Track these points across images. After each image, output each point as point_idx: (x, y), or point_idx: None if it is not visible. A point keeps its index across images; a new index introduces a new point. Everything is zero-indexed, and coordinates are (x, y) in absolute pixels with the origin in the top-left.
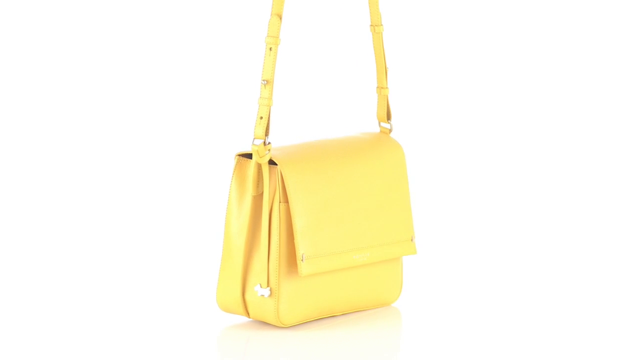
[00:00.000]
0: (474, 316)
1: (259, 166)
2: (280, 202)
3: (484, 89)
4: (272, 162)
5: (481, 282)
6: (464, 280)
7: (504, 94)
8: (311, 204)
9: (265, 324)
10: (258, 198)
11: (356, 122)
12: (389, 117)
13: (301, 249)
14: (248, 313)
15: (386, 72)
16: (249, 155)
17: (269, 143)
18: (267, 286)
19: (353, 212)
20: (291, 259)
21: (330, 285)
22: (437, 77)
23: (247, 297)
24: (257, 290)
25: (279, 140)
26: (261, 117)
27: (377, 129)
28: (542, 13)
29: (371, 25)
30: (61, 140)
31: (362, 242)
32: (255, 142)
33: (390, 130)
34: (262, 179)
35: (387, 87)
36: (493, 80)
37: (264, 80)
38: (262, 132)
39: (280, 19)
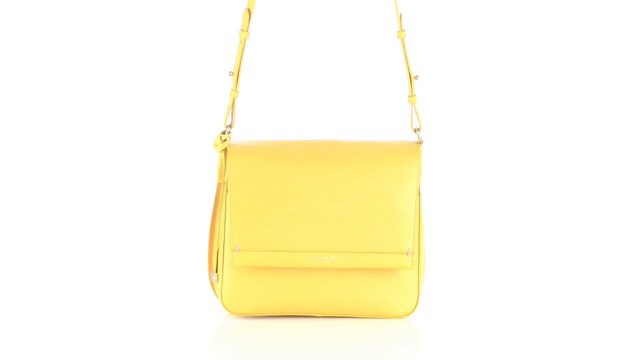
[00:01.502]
0: (485, 328)
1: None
2: (226, 191)
3: (507, 100)
4: None
5: (498, 294)
6: (479, 291)
7: (525, 105)
8: (257, 198)
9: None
10: (222, 186)
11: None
12: (416, 128)
13: (235, 239)
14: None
15: (411, 80)
16: None
17: (228, 133)
18: (216, 272)
19: (320, 213)
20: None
21: (293, 283)
22: (463, 87)
23: (211, 279)
24: (210, 275)
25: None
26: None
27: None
28: (566, 20)
29: (397, 32)
30: (47, 140)
31: (325, 245)
32: None
33: (419, 142)
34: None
35: (412, 96)
36: (515, 92)
37: (229, 72)
38: (224, 121)
39: (250, 13)
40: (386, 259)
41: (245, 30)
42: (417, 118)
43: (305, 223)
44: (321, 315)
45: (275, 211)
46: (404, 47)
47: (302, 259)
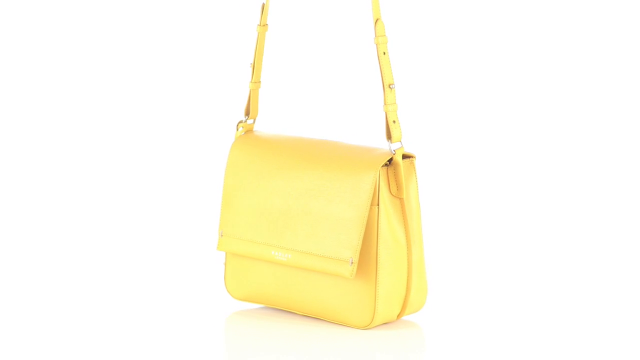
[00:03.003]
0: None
1: None
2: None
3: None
4: None
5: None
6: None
7: (515, 110)
8: (244, 188)
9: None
10: None
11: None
12: (387, 137)
13: (221, 224)
14: None
15: (384, 87)
16: None
17: (243, 122)
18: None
19: (285, 210)
20: None
21: (273, 277)
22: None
23: None
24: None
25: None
26: None
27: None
28: (547, 20)
29: (374, 38)
30: (56, 138)
31: (285, 242)
32: None
33: (391, 153)
34: None
35: (386, 104)
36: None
37: (250, 63)
38: (244, 111)
39: (263, 7)
40: (330, 264)
41: (261, 24)
42: (390, 127)
43: (272, 218)
44: (302, 313)
45: (251, 202)
46: (379, 54)
47: (265, 252)
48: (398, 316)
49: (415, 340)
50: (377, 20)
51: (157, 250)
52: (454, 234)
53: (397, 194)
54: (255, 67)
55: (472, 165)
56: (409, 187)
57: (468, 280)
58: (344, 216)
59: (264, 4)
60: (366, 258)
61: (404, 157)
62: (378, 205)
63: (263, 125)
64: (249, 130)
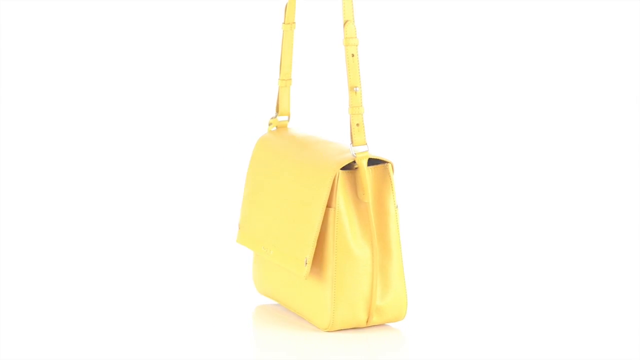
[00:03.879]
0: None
1: None
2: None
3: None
4: None
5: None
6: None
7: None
8: (256, 183)
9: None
10: None
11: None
12: (350, 140)
13: (240, 218)
14: None
15: (349, 90)
16: None
17: (274, 118)
18: None
19: (276, 207)
20: None
21: (274, 273)
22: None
23: None
24: None
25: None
26: None
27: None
28: (527, 24)
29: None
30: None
31: (270, 237)
32: None
33: (352, 158)
34: None
35: (351, 107)
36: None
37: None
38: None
39: (286, 8)
40: (291, 263)
41: (286, 22)
42: (353, 132)
43: (264, 214)
44: (294, 311)
45: (254, 197)
46: (347, 56)
47: (258, 246)
48: (367, 322)
49: (378, 346)
50: (346, 22)
51: (186, 243)
52: (441, 242)
53: (362, 198)
54: (282, 65)
55: (461, 172)
56: (382, 192)
57: (454, 290)
58: (305, 216)
59: (287, 4)
60: (323, 260)
61: (379, 162)
62: (334, 207)
63: (304, 123)
64: (281, 127)
